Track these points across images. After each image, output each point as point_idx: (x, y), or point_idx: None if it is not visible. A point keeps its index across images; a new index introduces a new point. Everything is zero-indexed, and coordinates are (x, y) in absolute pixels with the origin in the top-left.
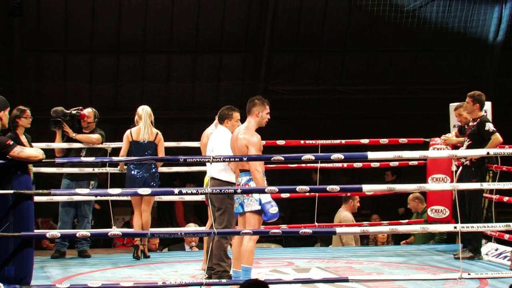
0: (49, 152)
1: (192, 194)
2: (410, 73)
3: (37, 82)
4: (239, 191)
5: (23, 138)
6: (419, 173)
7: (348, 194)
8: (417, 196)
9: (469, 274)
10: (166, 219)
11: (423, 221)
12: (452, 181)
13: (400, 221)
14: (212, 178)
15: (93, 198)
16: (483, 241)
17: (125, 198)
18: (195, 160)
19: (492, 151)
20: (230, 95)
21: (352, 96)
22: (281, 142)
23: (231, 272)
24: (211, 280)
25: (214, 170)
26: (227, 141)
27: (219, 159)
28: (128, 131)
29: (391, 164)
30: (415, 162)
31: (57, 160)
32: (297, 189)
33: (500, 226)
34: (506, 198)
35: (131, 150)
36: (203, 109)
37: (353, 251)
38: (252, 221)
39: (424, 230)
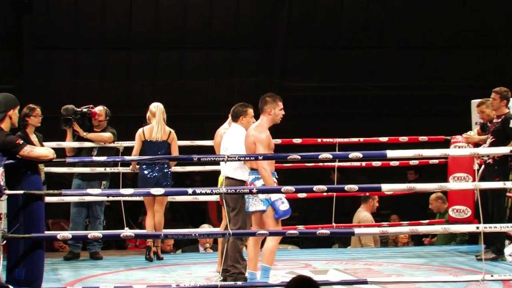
0: (59, 152)
1: (206, 194)
2: (430, 69)
3: (47, 79)
4: (254, 190)
5: (33, 137)
6: (441, 172)
7: (367, 193)
8: (440, 196)
9: (492, 276)
10: (185, 220)
11: (444, 221)
12: (474, 180)
13: (421, 221)
14: (227, 178)
15: (104, 198)
16: (507, 241)
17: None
18: (210, 159)
19: None
20: (244, 92)
21: (369, 93)
22: (297, 141)
23: (246, 274)
24: (226, 283)
25: (229, 169)
26: (241, 139)
27: (233, 158)
28: (140, 130)
29: (411, 162)
30: (436, 161)
31: (68, 160)
32: (314, 189)
33: None
34: None
35: (143, 149)
36: (216, 107)
37: (372, 252)
38: (267, 222)
39: (446, 230)
